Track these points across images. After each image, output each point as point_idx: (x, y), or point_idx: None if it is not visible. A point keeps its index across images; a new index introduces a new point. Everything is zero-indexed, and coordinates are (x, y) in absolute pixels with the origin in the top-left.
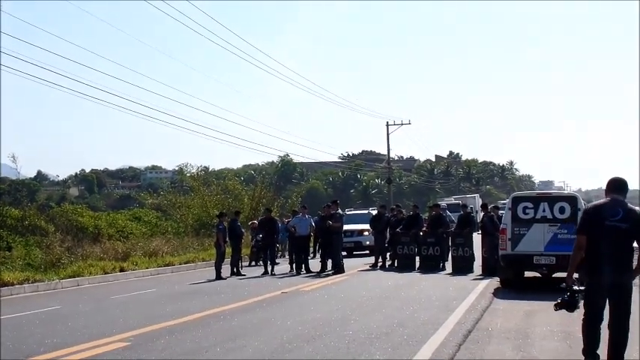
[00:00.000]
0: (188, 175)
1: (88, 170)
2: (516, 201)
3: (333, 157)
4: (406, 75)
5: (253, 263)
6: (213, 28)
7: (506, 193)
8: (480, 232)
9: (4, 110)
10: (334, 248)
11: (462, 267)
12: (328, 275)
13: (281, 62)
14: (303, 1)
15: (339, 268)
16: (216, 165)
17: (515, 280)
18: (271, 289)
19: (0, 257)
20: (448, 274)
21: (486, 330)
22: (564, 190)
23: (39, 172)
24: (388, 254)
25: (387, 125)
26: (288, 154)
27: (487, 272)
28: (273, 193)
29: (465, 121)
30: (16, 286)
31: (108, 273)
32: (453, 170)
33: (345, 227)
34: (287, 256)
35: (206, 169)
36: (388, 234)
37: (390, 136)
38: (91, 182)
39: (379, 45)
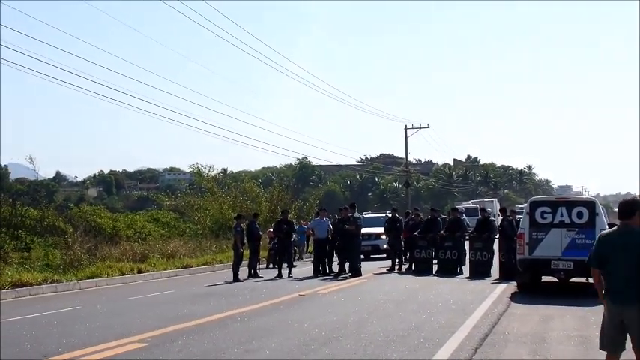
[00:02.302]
0: (204, 176)
1: (106, 172)
2: (534, 205)
3: (352, 161)
4: (426, 79)
5: (271, 265)
6: (231, 30)
7: (524, 198)
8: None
9: (24, 112)
10: (352, 251)
11: (480, 271)
12: (346, 278)
13: (300, 65)
14: (323, 1)
15: (356, 271)
16: (234, 167)
17: (532, 284)
18: (288, 291)
19: (19, 258)
20: (465, 277)
21: (503, 334)
22: (582, 195)
23: (58, 173)
24: (405, 258)
25: (406, 129)
26: (306, 157)
27: (504, 276)
28: (290, 195)
29: (484, 126)
30: (35, 286)
31: (126, 274)
32: (471, 174)
33: (363, 230)
34: (304, 259)
35: (224, 171)
36: (404, 237)
37: (408, 139)
38: (110, 183)
39: (399, 49)
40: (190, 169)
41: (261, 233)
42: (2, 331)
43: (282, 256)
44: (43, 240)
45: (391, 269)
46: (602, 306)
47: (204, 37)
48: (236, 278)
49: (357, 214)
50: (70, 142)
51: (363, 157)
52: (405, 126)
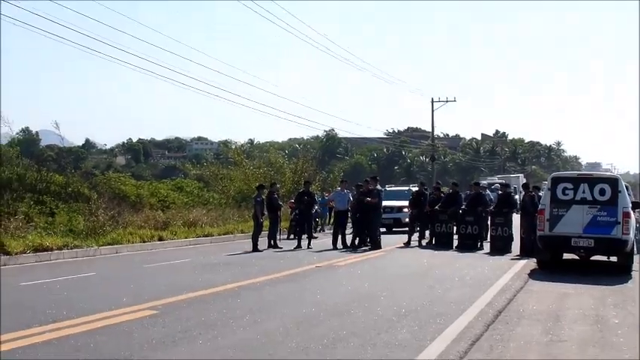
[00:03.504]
0: (232, 147)
1: (135, 140)
2: (556, 181)
3: (379, 133)
4: (454, 51)
5: (292, 237)
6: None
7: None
8: (520, 212)
9: (56, 79)
10: (372, 224)
11: (500, 247)
12: (365, 251)
13: (330, 39)
14: None
15: (375, 244)
16: (261, 138)
17: (552, 261)
18: (305, 262)
19: (43, 222)
20: (485, 253)
21: (517, 311)
22: (612, 172)
23: (87, 140)
24: (427, 232)
25: (432, 102)
26: (333, 129)
27: (525, 253)
28: (315, 167)
29: (513, 100)
30: (55, 251)
31: (146, 242)
32: (498, 149)
33: (385, 203)
34: (326, 230)
35: (251, 141)
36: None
37: (435, 113)
38: (138, 152)
39: (427, 22)
40: (218, 140)
41: (281, 203)
42: (15, 294)
43: (303, 227)
44: (67, 206)
45: (407, 244)
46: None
47: (238, 10)
48: (255, 248)
49: (378, 187)
50: (99, 110)
51: (390, 130)
52: (432, 99)
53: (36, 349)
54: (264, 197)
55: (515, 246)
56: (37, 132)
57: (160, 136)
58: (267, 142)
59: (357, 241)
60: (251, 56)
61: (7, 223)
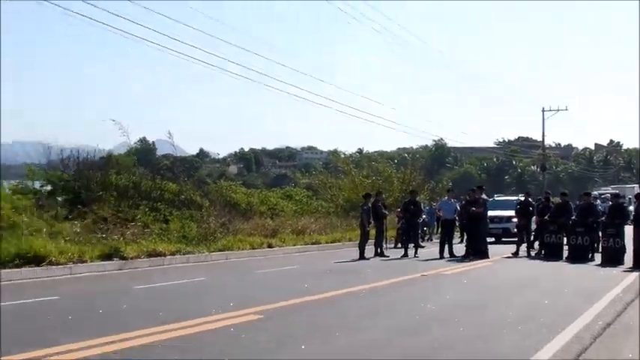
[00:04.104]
0: (341, 156)
1: (246, 149)
2: None
3: (488, 143)
4: (564, 60)
5: (399, 245)
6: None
7: None
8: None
9: (172, 91)
10: (479, 234)
11: (612, 258)
12: (472, 260)
13: (440, 49)
14: None
15: (482, 254)
16: (370, 147)
17: None
18: (411, 271)
19: (157, 229)
20: (597, 265)
21: (627, 325)
22: None
23: (201, 150)
24: (536, 243)
25: (543, 111)
26: (442, 139)
27: (637, 265)
28: (423, 176)
29: (628, 109)
30: (168, 256)
31: (255, 248)
32: (612, 159)
33: (493, 213)
34: (433, 240)
35: (360, 151)
36: (534, 222)
37: (546, 122)
38: (249, 161)
39: (538, 30)
40: (327, 149)
41: (386, 212)
42: (130, 297)
43: (409, 235)
44: (180, 213)
45: (515, 254)
46: None
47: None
48: (362, 256)
49: (484, 196)
50: (213, 121)
51: (500, 140)
52: (543, 108)
53: (145, 349)
54: (370, 206)
55: (628, 258)
56: (153, 142)
57: (270, 146)
58: (375, 151)
59: (464, 251)
60: (359, 68)
61: (124, 229)
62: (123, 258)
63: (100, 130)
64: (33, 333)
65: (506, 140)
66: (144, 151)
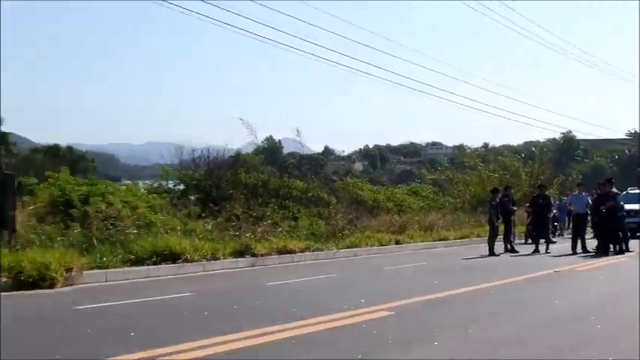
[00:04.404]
0: (467, 151)
1: (371, 146)
2: None
3: (619, 134)
4: None
5: (529, 241)
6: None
7: None
8: None
9: (298, 91)
10: (613, 229)
11: None
12: (607, 256)
13: (570, 42)
14: None
15: (619, 249)
16: (496, 142)
17: None
18: (543, 267)
19: (286, 226)
20: None
21: None
22: None
23: (326, 147)
24: None
25: None
26: (570, 131)
27: None
28: (552, 170)
29: None
30: (298, 253)
31: (383, 245)
32: None
33: (628, 207)
34: (565, 235)
35: (486, 145)
36: None
37: None
38: (374, 157)
39: None
40: (452, 144)
41: (514, 207)
42: (262, 293)
43: (539, 231)
44: (308, 210)
45: None
46: None
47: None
48: (491, 252)
49: (614, 189)
50: (338, 119)
51: (632, 131)
52: None
53: (279, 344)
54: (498, 201)
55: None
56: (279, 140)
57: (395, 142)
58: (501, 145)
59: (597, 247)
60: (485, 62)
61: (255, 227)
62: (254, 255)
63: (228, 129)
64: (176, 327)
65: (638, 131)
66: (270, 150)
